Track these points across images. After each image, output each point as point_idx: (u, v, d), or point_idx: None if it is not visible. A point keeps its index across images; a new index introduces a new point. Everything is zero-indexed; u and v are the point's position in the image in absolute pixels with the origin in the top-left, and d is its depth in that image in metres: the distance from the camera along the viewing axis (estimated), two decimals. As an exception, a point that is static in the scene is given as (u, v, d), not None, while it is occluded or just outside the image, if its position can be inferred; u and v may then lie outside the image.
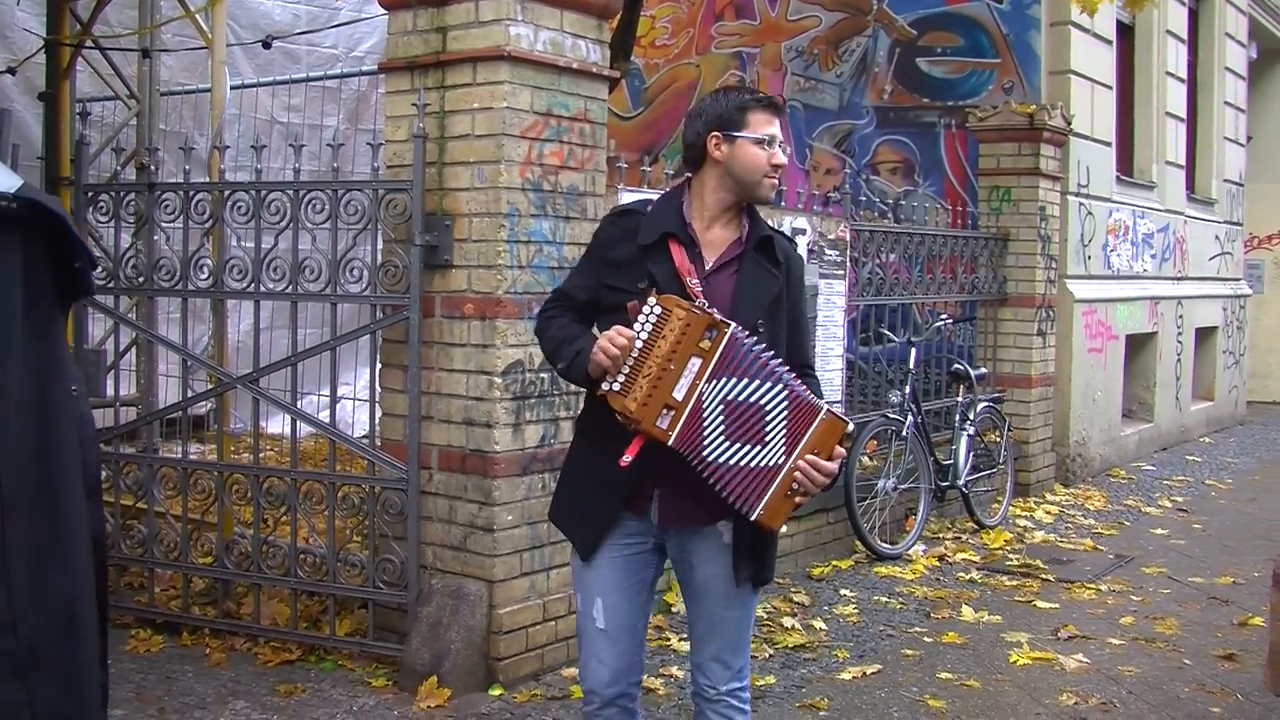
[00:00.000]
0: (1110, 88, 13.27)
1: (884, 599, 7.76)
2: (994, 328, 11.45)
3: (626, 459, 3.57)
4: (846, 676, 6.29)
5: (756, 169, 3.71)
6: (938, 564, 8.75)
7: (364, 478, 6.21)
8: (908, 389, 9.13)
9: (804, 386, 3.60)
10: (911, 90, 12.90)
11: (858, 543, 8.72)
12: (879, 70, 13.12)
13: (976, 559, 8.90)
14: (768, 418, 3.53)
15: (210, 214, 6.45)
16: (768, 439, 3.54)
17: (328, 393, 6.47)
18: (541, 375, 6.01)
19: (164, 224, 6.68)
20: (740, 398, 3.53)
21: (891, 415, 9.02)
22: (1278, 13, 19.95)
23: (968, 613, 7.47)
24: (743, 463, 3.55)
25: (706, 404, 3.53)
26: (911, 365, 9.28)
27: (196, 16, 7.46)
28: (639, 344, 3.56)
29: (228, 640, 6.32)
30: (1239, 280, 18.42)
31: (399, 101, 6.13)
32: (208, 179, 6.86)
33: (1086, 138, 12.46)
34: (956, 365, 10.00)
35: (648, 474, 3.69)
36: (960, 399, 9.87)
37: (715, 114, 3.78)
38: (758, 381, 3.53)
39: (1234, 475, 13.18)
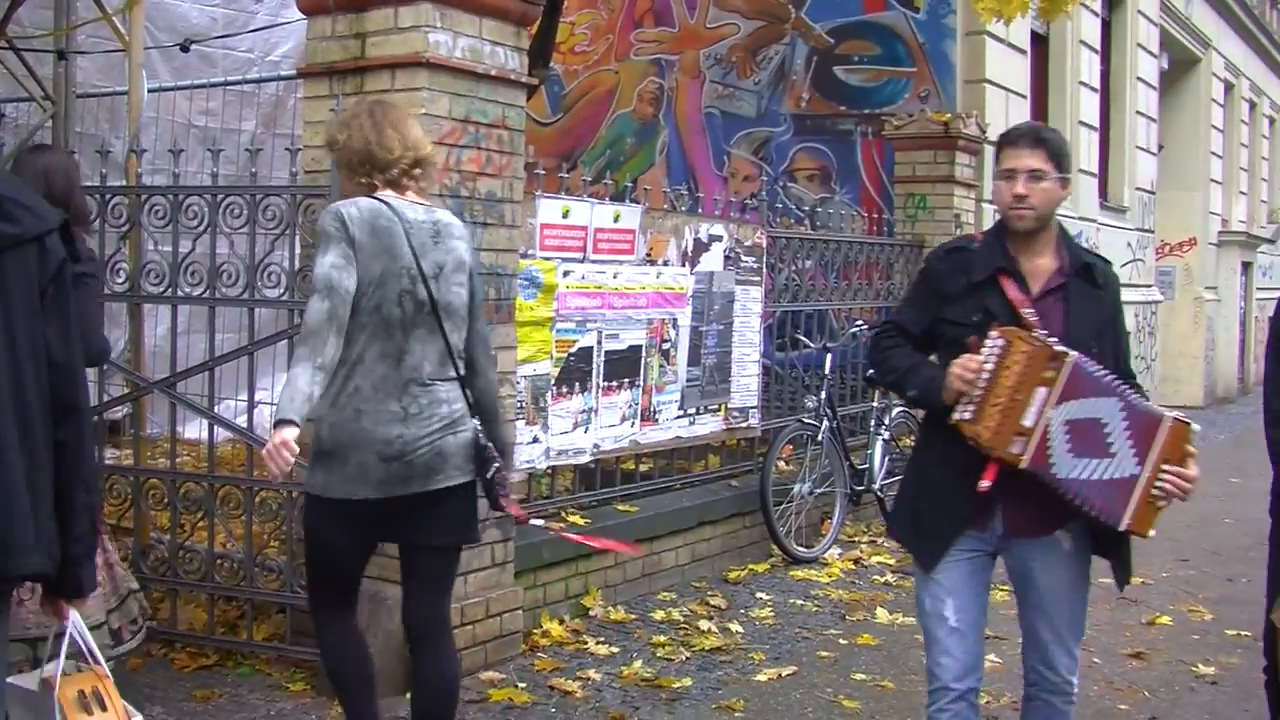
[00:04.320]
0: (1025, 97, 13.45)
1: (800, 602, 7.83)
2: (909, 333, 11.51)
3: (985, 484, 3.86)
4: (762, 678, 6.35)
5: (1002, 202, 4.03)
6: (853, 567, 8.84)
7: (282, 483, 6.18)
8: (823, 394, 9.20)
9: (1138, 397, 3.92)
10: (829, 98, 13.01)
11: (774, 547, 8.79)
12: (797, 78, 13.21)
13: (891, 562, 8.97)
14: (1109, 432, 3.85)
15: (127, 218, 6.41)
16: (1114, 451, 3.85)
17: (245, 398, 6.44)
18: (460, 380, 6.02)
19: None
20: (1082, 417, 3.84)
21: (807, 420, 9.09)
22: (1188, 24, 20.28)
23: (882, 615, 7.56)
24: (1095, 476, 3.85)
25: (1054, 427, 3.82)
26: (827, 371, 9.34)
27: (114, 19, 7.41)
28: (985, 374, 3.84)
29: (144, 646, 6.27)
30: (1150, 287, 18.69)
31: (317, 107, 6.12)
32: (125, 183, 6.82)
33: (1001, 146, 12.59)
34: (871, 371, 10.06)
35: (991, 492, 3.92)
36: (875, 404, 9.93)
37: None
38: (1097, 399, 3.85)
39: (1144, 479, 13.34)
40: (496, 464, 4.50)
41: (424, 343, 4.39)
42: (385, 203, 4.38)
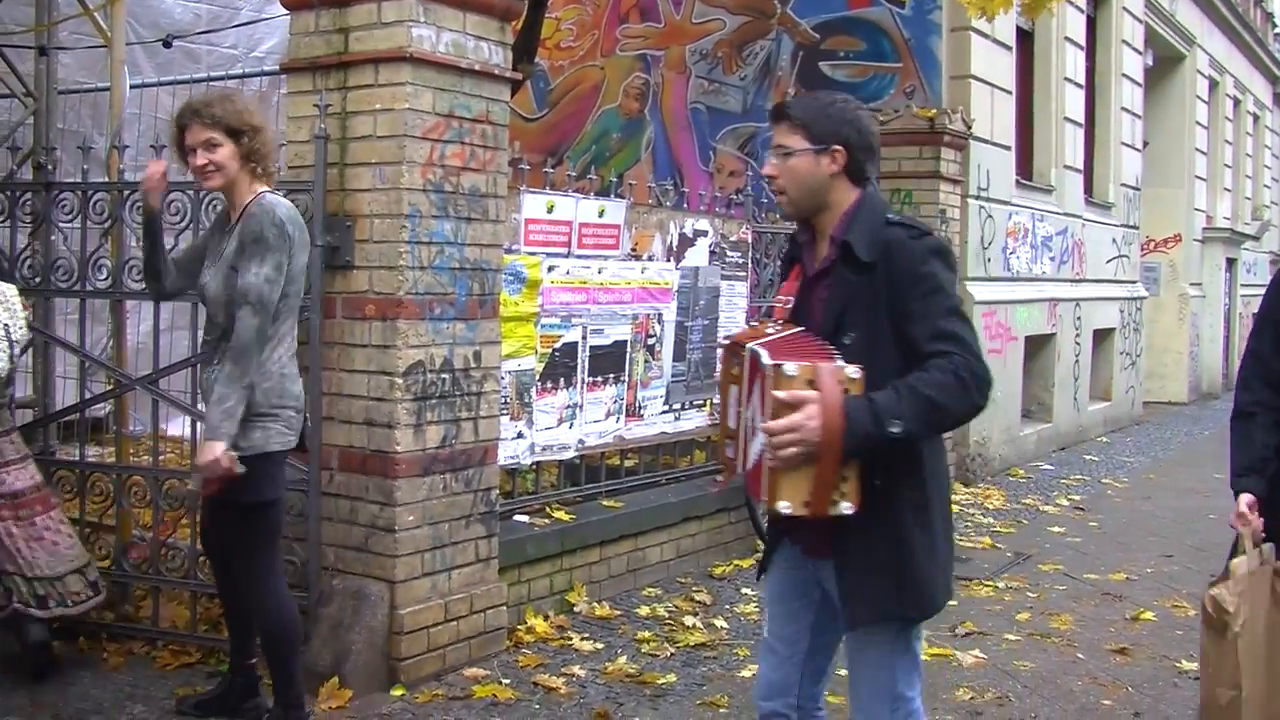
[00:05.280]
0: (1010, 93, 13.47)
1: (785, 598, 7.81)
2: (895, 329, 11.52)
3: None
4: (747, 674, 6.33)
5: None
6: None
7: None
8: (809, 389, 9.16)
9: (780, 349, 3.37)
10: (814, 93, 12.97)
11: (759, 542, 8.77)
12: (782, 73, 13.21)
13: (877, 558, 8.96)
14: (755, 403, 3.44)
15: (109, 214, 6.39)
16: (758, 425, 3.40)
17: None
18: (443, 376, 6.02)
19: (61, 224, 6.61)
20: (755, 403, 3.44)
21: (793, 416, 9.06)
22: (1172, 21, 20.31)
23: (867, 610, 7.54)
24: (756, 458, 3.42)
25: (750, 425, 3.47)
26: (813, 366, 9.30)
27: (95, 14, 7.38)
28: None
29: (126, 644, 6.26)
30: (1136, 283, 18.74)
31: (300, 102, 6.10)
32: (106, 179, 6.79)
33: (986, 142, 12.64)
34: (857, 366, 10.05)
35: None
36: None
37: None
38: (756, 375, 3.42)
39: (1130, 474, 13.42)
40: None
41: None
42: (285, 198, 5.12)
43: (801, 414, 3.20)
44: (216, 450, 4.72)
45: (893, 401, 3.26)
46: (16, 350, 5.89)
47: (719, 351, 3.54)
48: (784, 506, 3.29)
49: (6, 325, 5.77)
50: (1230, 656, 4.30)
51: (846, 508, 3.30)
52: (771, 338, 3.49)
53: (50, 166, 6.68)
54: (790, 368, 3.24)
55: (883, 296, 3.45)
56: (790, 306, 3.69)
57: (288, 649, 5.18)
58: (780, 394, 3.23)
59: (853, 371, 3.27)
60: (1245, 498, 4.47)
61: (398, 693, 5.83)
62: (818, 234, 3.67)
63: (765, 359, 3.30)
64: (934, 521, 3.54)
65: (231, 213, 5.16)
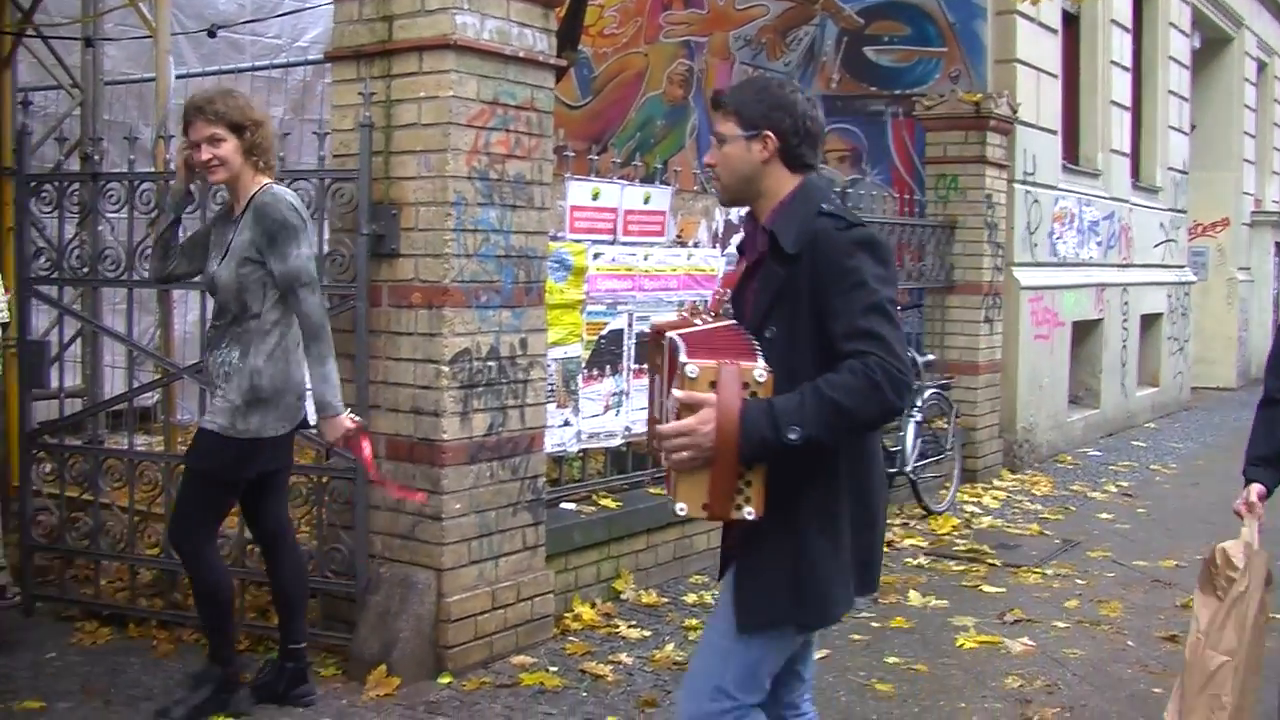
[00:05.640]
0: (1056, 76, 13.36)
1: (832, 585, 7.78)
2: (941, 315, 11.51)
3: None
4: (795, 662, 6.32)
5: None
6: (886, 549, 8.78)
7: (312, 467, 6.20)
8: (855, 376, 9.12)
9: (693, 345, 3.21)
10: (859, 79, 12.94)
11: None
12: (826, 59, 13.15)
13: (924, 544, 8.95)
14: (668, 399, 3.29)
15: (155, 204, 6.40)
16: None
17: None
18: (489, 364, 6.02)
19: (109, 214, 6.64)
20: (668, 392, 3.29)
21: (839, 402, 9.02)
22: (1220, 2, 20.12)
23: (915, 597, 7.52)
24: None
25: (669, 415, 3.23)
26: (859, 352, 9.25)
27: (140, 5, 7.41)
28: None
29: (175, 631, 6.29)
30: (1183, 267, 18.58)
31: (345, 91, 6.11)
32: (153, 169, 6.82)
33: (1032, 126, 12.54)
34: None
35: None
36: (908, 386, 9.87)
37: None
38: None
39: (1178, 460, 13.31)
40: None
41: None
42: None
43: (695, 418, 3.09)
44: (342, 421, 5.14)
45: (794, 406, 3.11)
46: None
47: (646, 338, 3.39)
48: (681, 509, 3.19)
49: None
50: (1229, 621, 4.27)
51: (749, 513, 3.18)
52: (695, 329, 3.38)
53: (97, 157, 6.71)
54: (691, 369, 3.11)
55: (806, 290, 3.31)
56: (728, 297, 3.58)
57: (218, 611, 5.42)
58: (679, 394, 3.12)
59: (759, 374, 3.12)
60: (1256, 487, 4.46)
61: (445, 680, 5.83)
62: (758, 223, 3.54)
63: (682, 354, 3.16)
64: (842, 530, 3.37)
65: (235, 205, 5.28)
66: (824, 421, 3.10)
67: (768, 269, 3.42)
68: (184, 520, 5.30)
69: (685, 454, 3.10)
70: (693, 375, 3.10)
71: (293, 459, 5.64)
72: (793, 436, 3.07)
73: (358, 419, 5.20)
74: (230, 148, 5.12)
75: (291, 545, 5.63)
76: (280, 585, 5.57)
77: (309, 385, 5.22)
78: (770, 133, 3.44)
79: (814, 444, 3.13)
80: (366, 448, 5.25)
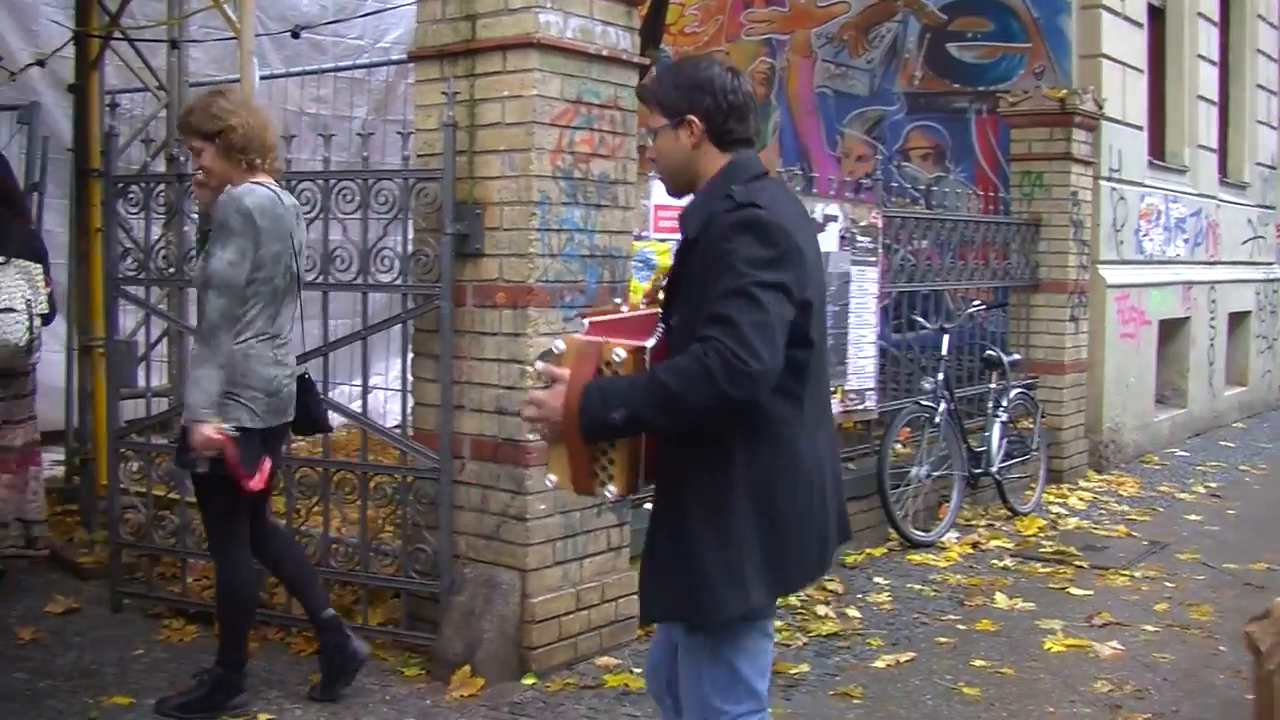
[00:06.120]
0: (1141, 71, 13.19)
1: (918, 586, 7.73)
2: (1027, 314, 11.39)
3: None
4: (880, 664, 6.27)
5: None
6: (971, 551, 8.71)
7: (396, 467, 6.21)
8: (940, 376, 9.08)
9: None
10: (942, 76, 12.85)
11: (891, 530, 8.69)
12: (909, 56, 13.07)
13: (1010, 546, 8.85)
14: None
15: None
16: None
17: (359, 383, 6.48)
18: (573, 364, 5.99)
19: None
20: None
21: (924, 402, 8.98)
22: (1310, -6, 19.79)
23: (1001, 600, 7.43)
24: None
25: None
26: (944, 352, 9.22)
27: (224, 7, 7.45)
28: None
29: (260, 630, 6.31)
30: (1272, 264, 18.29)
31: (428, 90, 6.11)
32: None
33: (1118, 122, 12.38)
34: (989, 352, 9.94)
35: None
36: (993, 386, 9.81)
37: None
38: None
39: (1268, 460, 13.09)
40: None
41: (288, 306, 5.34)
42: (272, 190, 5.21)
43: (548, 392, 3.24)
44: (205, 430, 5.02)
45: (623, 388, 3.15)
46: (37, 323, 6.57)
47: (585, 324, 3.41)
48: (551, 481, 3.40)
49: (29, 300, 6.48)
50: (1266, 695, 4.32)
51: (611, 491, 3.29)
52: (610, 317, 3.48)
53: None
54: (559, 344, 3.29)
55: (699, 275, 3.26)
56: (663, 284, 3.53)
57: (242, 619, 5.49)
58: (538, 366, 3.29)
59: (619, 353, 3.19)
60: None
61: (529, 681, 5.82)
62: None
63: (580, 334, 3.34)
64: (733, 523, 3.27)
65: None
66: (652, 404, 3.12)
67: (679, 255, 3.44)
68: (227, 527, 5.46)
69: (537, 426, 3.30)
70: (557, 352, 3.29)
71: (281, 460, 5.81)
72: (616, 416, 3.13)
73: (225, 428, 5.03)
74: (209, 155, 5.21)
75: (281, 534, 5.88)
76: (287, 572, 5.70)
77: (284, 382, 5.28)
78: (693, 116, 3.42)
79: (645, 425, 3.19)
80: (231, 453, 5.10)
